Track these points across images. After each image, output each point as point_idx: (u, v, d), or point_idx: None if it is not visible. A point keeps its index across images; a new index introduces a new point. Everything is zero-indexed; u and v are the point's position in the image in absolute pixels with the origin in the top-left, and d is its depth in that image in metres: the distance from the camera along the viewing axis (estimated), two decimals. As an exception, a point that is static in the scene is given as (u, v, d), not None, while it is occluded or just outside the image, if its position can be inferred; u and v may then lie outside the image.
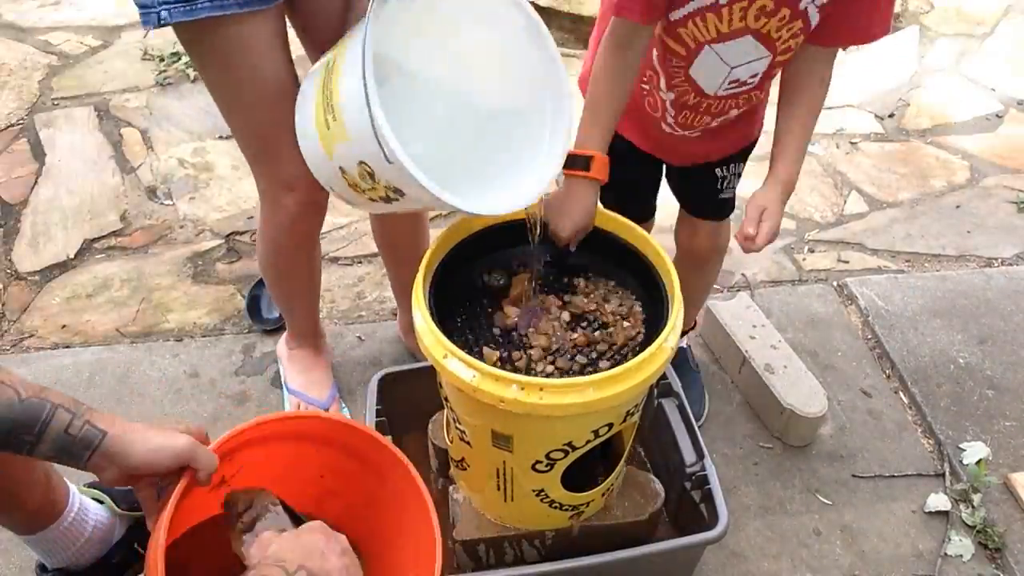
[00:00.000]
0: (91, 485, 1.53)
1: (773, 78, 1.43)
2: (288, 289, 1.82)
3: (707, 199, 1.68)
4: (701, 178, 1.64)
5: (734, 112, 1.48)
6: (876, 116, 3.01)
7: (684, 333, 1.98)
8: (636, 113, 1.52)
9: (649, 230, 1.68)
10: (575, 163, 1.33)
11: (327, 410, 1.89)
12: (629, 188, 1.62)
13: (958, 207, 2.66)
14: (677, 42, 1.34)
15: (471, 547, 1.40)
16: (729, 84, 1.39)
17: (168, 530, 1.02)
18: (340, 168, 1.21)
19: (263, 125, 1.46)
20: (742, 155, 1.64)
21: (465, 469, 1.39)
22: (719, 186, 1.64)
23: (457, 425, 1.30)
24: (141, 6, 1.28)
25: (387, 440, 1.26)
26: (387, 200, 1.20)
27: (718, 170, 1.62)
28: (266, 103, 1.42)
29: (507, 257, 1.36)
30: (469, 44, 1.29)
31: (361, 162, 1.16)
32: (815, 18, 1.27)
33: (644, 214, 1.81)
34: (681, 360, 2.00)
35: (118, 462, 1.04)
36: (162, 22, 1.28)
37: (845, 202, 2.65)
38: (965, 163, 2.84)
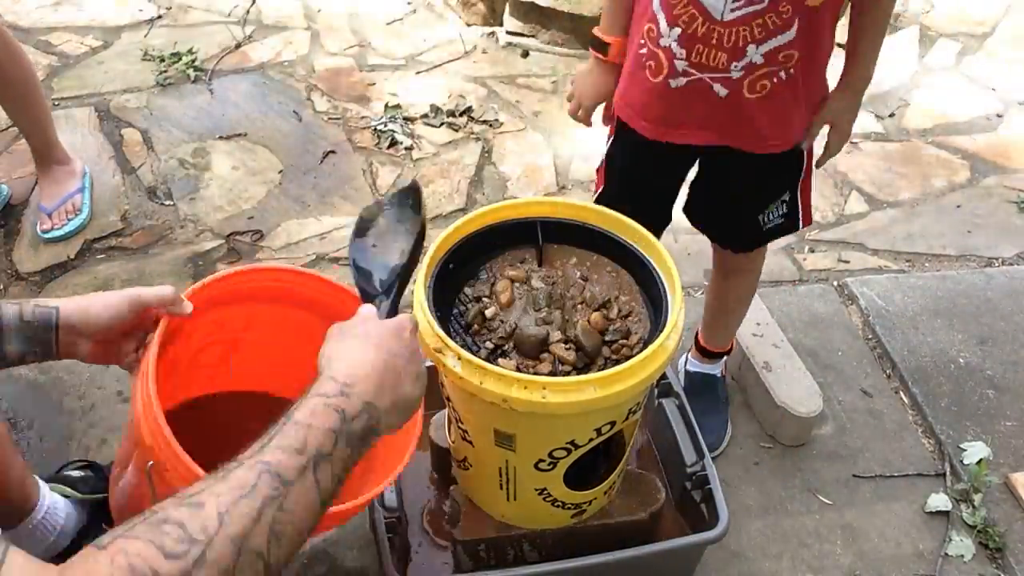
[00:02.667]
0: (55, 480, 1.54)
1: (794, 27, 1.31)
2: None
3: (747, 233, 1.62)
4: (738, 220, 1.60)
5: (752, 51, 1.33)
6: (876, 116, 3.01)
7: (719, 356, 1.94)
8: (638, 89, 1.46)
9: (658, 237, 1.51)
10: (597, 46, 1.51)
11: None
12: (643, 190, 1.59)
13: (958, 207, 2.66)
14: None
15: (471, 547, 1.40)
16: (735, 2, 1.29)
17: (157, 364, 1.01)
18: None
19: None
20: (784, 183, 1.55)
21: (467, 469, 1.39)
22: (761, 222, 1.57)
23: (459, 424, 1.30)
24: None
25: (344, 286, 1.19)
26: None
27: (761, 217, 1.56)
28: None
29: (504, 257, 1.36)
30: None
31: None
32: None
33: (660, 223, 1.68)
34: (711, 388, 1.93)
35: (84, 330, 1.03)
36: None
37: (845, 202, 2.65)
38: (965, 163, 2.83)
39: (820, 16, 1.35)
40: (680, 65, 1.38)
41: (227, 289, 1.20)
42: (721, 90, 1.38)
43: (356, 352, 0.88)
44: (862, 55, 1.47)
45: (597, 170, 1.67)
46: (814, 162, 1.58)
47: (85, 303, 1.05)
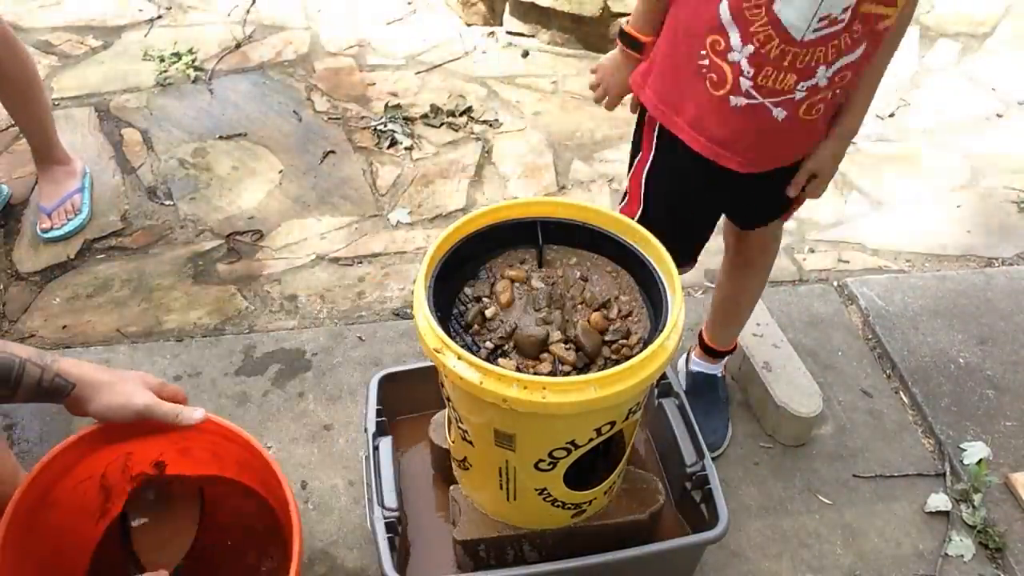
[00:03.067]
0: None
1: (864, 37, 1.28)
2: None
3: (760, 209, 1.59)
4: (764, 187, 1.51)
5: (821, 73, 1.29)
6: (876, 116, 3.01)
7: (722, 355, 1.94)
8: (694, 100, 1.38)
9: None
10: (630, 43, 1.49)
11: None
12: (690, 212, 1.55)
13: (958, 207, 2.66)
14: None
15: (471, 547, 1.40)
16: (819, 22, 1.23)
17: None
18: None
19: None
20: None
21: (467, 469, 1.39)
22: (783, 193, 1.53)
23: (459, 424, 1.30)
24: None
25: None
26: None
27: (786, 187, 1.51)
28: None
29: (504, 257, 1.36)
30: None
31: None
32: None
33: (702, 239, 1.62)
34: (712, 388, 1.94)
35: (88, 412, 1.15)
36: None
37: (845, 202, 2.65)
38: (966, 162, 2.84)
39: (878, 38, 1.32)
40: (744, 84, 1.32)
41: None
42: (780, 113, 1.34)
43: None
44: (856, 106, 1.43)
45: (629, 189, 1.58)
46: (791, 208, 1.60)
47: (96, 395, 1.14)
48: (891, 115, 3.03)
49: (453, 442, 1.40)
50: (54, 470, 1.25)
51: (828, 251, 2.48)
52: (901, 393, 2.06)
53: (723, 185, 1.48)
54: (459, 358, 1.12)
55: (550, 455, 1.23)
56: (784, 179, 1.52)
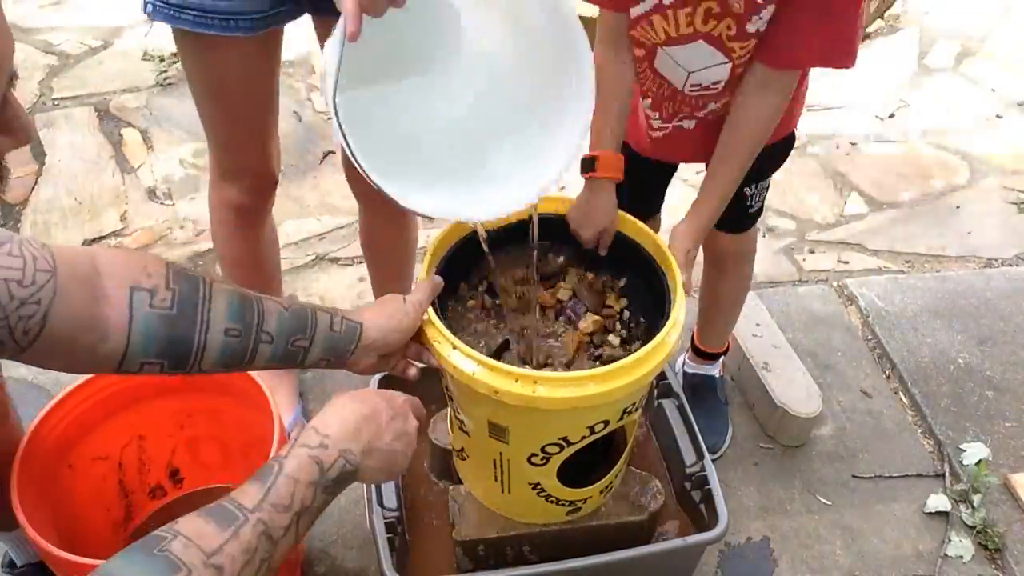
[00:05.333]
0: None
1: None
2: (233, 279, 1.78)
3: (729, 214, 1.54)
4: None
5: (713, 104, 1.38)
6: (876, 116, 3.01)
7: (716, 356, 1.95)
8: (632, 123, 1.48)
9: (656, 228, 1.48)
10: (584, 165, 1.34)
11: (290, 434, 1.83)
12: (636, 189, 1.61)
13: (958, 207, 2.66)
14: (636, 44, 1.33)
15: (471, 547, 1.40)
16: (691, 87, 1.35)
17: None
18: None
19: (227, 128, 1.50)
20: (768, 167, 1.54)
21: (465, 459, 1.40)
22: (747, 203, 1.57)
23: (457, 415, 1.31)
24: None
25: None
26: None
27: (746, 188, 1.53)
28: (233, 117, 1.47)
29: (509, 257, 1.36)
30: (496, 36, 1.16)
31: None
32: (761, 29, 1.22)
33: (650, 211, 1.73)
34: (709, 389, 1.94)
35: (378, 349, 1.11)
36: (148, 15, 1.32)
37: (845, 203, 2.65)
38: (965, 163, 2.84)
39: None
40: (656, 123, 1.46)
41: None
42: (690, 124, 1.44)
43: (340, 406, 0.99)
44: (717, 191, 1.37)
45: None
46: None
47: (385, 323, 1.10)
48: (891, 115, 3.03)
49: (453, 432, 1.41)
50: (66, 418, 1.35)
51: (828, 251, 2.48)
52: (900, 394, 2.06)
53: (669, 168, 1.63)
54: (454, 348, 1.13)
55: (543, 450, 1.23)
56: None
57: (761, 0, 1.18)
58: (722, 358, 1.97)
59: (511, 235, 1.34)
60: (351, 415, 0.97)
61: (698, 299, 1.89)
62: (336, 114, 0.97)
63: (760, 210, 1.64)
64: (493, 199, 1.13)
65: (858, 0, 1.19)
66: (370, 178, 1.00)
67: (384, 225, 1.77)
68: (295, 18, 1.41)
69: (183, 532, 0.79)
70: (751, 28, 1.22)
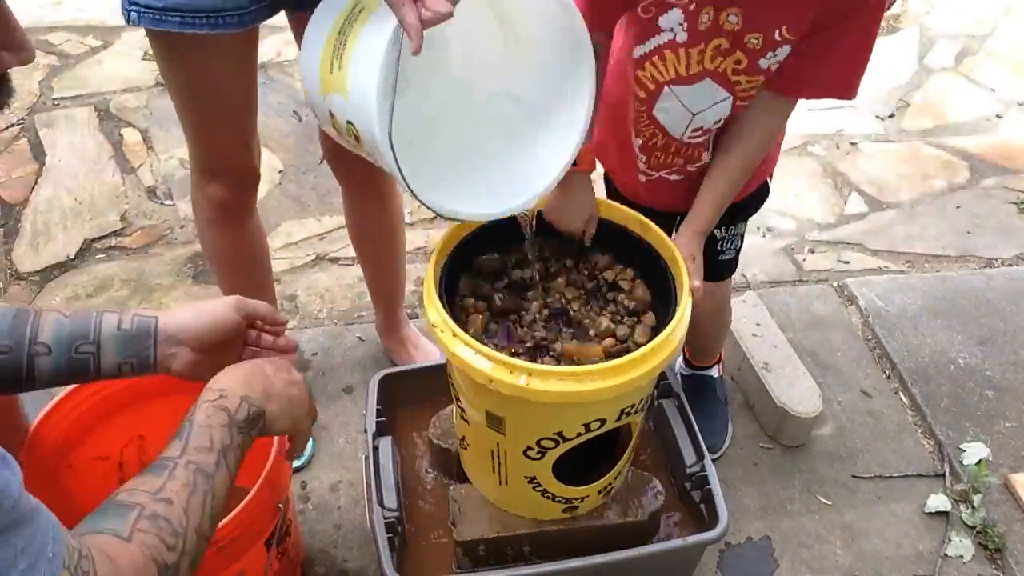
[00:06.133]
0: None
1: None
2: (224, 277, 1.78)
3: (704, 261, 1.54)
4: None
5: (707, 156, 1.41)
6: (876, 116, 3.01)
7: (706, 367, 1.95)
8: (618, 150, 1.48)
9: None
10: None
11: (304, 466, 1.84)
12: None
13: (958, 207, 2.66)
14: (638, 84, 1.32)
15: (471, 547, 1.40)
16: (693, 132, 1.35)
17: None
18: (330, 112, 1.16)
19: (210, 128, 1.51)
20: (742, 213, 1.56)
21: (466, 448, 1.41)
22: (719, 247, 1.57)
23: (459, 403, 1.31)
24: None
25: None
26: (368, 156, 1.16)
27: (717, 231, 1.55)
28: (217, 117, 1.47)
29: (517, 250, 1.37)
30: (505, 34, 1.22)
31: (350, 122, 1.10)
32: (773, 66, 1.24)
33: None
34: (708, 389, 1.95)
35: (184, 339, 1.05)
36: (131, 22, 1.32)
37: (845, 203, 2.65)
38: (965, 163, 2.84)
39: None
40: (641, 166, 1.46)
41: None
42: (676, 177, 1.45)
43: (225, 370, 1.02)
44: (710, 207, 1.39)
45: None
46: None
47: (191, 315, 1.07)
48: (891, 115, 3.03)
49: (455, 420, 1.42)
50: (67, 418, 1.35)
51: (828, 251, 2.48)
52: (901, 394, 2.06)
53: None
54: (454, 335, 1.13)
55: (538, 444, 1.23)
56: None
57: (779, 39, 1.19)
58: (720, 361, 1.97)
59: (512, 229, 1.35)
60: (238, 371, 1.01)
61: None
62: (390, 141, 1.01)
63: (733, 261, 1.63)
64: (513, 195, 1.20)
65: (872, 44, 1.22)
66: (413, 192, 1.05)
67: (366, 203, 1.79)
68: (274, 14, 1.42)
69: (124, 488, 0.84)
70: (763, 64, 1.23)
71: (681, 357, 1.99)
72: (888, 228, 2.57)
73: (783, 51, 1.21)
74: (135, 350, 1.02)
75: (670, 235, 1.41)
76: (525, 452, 1.26)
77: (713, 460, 1.59)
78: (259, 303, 1.13)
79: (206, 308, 1.07)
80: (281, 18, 1.44)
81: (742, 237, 1.61)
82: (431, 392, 1.59)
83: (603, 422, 1.22)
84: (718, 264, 1.60)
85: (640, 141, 1.41)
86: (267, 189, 2.53)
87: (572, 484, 1.33)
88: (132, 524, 0.80)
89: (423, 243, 2.41)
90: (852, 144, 2.89)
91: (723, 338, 1.93)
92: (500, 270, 1.35)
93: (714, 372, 1.96)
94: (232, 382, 0.98)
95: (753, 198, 1.56)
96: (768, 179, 1.57)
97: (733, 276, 1.71)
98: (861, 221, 2.60)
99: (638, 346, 1.22)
